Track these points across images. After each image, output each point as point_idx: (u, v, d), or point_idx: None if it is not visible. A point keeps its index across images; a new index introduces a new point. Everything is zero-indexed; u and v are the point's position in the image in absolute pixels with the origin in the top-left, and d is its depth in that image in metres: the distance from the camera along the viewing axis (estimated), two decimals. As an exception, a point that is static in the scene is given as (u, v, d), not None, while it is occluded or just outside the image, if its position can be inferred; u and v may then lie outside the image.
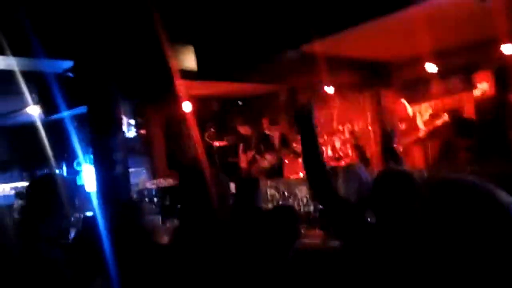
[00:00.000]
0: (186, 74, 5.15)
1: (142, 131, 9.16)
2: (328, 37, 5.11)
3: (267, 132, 8.30)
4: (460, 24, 6.22)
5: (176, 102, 7.05)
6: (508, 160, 5.60)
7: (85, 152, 6.58)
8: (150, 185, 7.60)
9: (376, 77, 8.23)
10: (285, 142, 8.29)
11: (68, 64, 4.29)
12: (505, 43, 6.57)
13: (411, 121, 6.90)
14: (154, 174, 8.88)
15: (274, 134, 8.28)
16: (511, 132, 5.96)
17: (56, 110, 5.65)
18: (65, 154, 7.89)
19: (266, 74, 6.27)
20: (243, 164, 8.54)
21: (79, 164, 7.83)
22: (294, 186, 5.86)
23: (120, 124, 4.45)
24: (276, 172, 7.97)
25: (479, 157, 6.06)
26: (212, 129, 8.92)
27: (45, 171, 8.02)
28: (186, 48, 4.97)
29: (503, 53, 6.68)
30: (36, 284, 1.62)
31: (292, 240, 2.55)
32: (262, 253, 1.87)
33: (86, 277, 2.07)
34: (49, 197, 1.94)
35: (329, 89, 8.31)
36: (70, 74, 4.34)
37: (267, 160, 8.20)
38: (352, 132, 8.54)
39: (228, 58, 4.87)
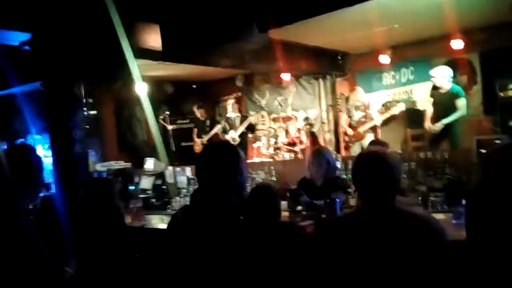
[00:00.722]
0: (150, 54, 5.00)
1: (92, 112, 8.81)
2: (289, 25, 5.11)
3: (229, 115, 8.22)
4: (413, 19, 6.47)
5: (129, 83, 6.82)
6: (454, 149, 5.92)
7: (35, 130, 6.23)
8: (100, 167, 7.35)
9: (332, 66, 8.37)
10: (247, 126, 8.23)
11: (25, 36, 4.02)
12: (455, 39, 6.91)
13: (366, 109, 7.10)
14: (104, 156, 8.58)
15: (236, 117, 8.20)
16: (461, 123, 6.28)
17: (7, 85, 5.30)
18: (13, 131, 7.44)
19: (228, 59, 6.21)
20: (197, 148, 8.46)
21: (29, 142, 7.41)
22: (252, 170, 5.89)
23: (80, 102, 4.25)
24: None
25: (429, 146, 6.35)
26: (167, 112, 8.74)
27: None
28: (151, 27, 4.80)
29: (452, 48, 7.03)
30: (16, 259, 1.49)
31: (274, 217, 2.57)
32: (245, 231, 1.85)
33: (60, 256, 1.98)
34: (28, 165, 1.83)
35: (286, 76, 8.39)
36: (27, 48, 4.07)
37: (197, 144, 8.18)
38: (306, 119, 8.66)
39: (194, 40, 4.76)
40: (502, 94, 6.46)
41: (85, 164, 4.36)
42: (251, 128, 8.22)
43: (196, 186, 5.67)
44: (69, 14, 4.19)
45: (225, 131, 8.18)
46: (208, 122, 8.44)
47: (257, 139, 8.17)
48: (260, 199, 2.52)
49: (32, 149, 1.92)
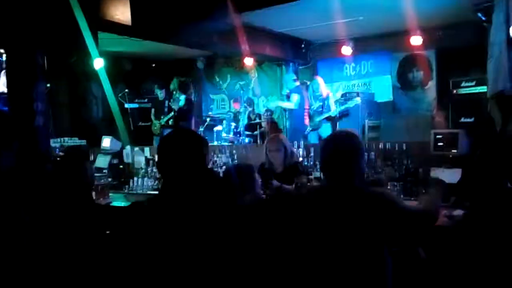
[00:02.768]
0: (117, 28, 4.81)
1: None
2: (261, 9, 5.10)
3: (177, 95, 8.07)
4: (377, 13, 6.65)
5: (85, 57, 6.57)
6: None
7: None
8: (52, 143, 7.08)
9: (295, 53, 8.44)
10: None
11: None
12: (414, 35, 7.16)
13: (325, 99, 7.22)
14: (57, 132, 8.24)
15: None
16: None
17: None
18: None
19: (198, 38, 6.10)
20: (155, 129, 8.29)
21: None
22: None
23: (43, 73, 4.03)
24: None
25: (383, 137, 6.58)
26: (126, 90, 8.50)
27: None
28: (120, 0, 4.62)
29: (411, 44, 7.28)
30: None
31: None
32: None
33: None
34: (8, 131, 1.78)
35: (248, 61, 8.37)
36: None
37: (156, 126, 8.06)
38: (266, 106, 8.72)
39: (165, 17, 4.63)
40: (455, 91, 6.75)
41: (47, 138, 4.17)
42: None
43: (155, 167, 5.57)
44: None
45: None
46: (167, 103, 8.28)
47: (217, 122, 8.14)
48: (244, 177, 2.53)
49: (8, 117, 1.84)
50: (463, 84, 6.70)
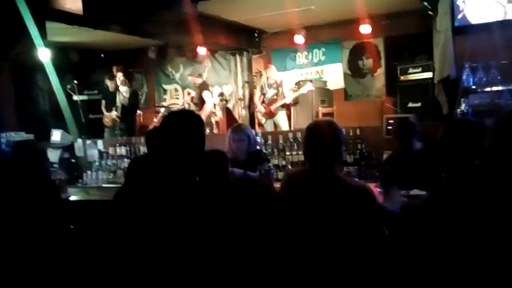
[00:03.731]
0: (66, 17, 4.62)
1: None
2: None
3: (120, 88, 7.88)
4: (328, 2, 6.79)
5: (29, 48, 6.29)
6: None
7: None
8: (-1, 138, 6.76)
9: (248, 42, 8.46)
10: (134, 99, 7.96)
11: None
12: (363, 24, 7.37)
13: (279, 86, 7.32)
14: (1, 127, 7.84)
15: (125, 91, 7.88)
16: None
17: None
18: None
19: (151, 28, 5.96)
20: (107, 121, 8.06)
21: None
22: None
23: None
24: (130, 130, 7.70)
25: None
26: (75, 82, 8.19)
27: None
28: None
29: (361, 32, 7.49)
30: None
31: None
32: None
33: None
34: None
35: (202, 50, 8.30)
36: None
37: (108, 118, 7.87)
38: (221, 94, 8.69)
39: (118, 5, 4.49)
40: (402, 78, 7.02)
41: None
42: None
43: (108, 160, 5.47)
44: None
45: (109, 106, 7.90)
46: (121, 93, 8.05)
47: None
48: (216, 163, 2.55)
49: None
50: (410, 70, 6.98)
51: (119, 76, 7.79)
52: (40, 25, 5.36)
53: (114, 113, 7.79)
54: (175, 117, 1.97)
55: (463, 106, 4.86)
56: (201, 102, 7.49)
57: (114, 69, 7.84)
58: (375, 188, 2.74)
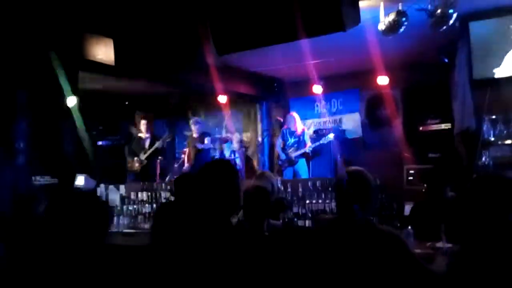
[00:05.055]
0: (100, 68, 4.87)
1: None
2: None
3: (141, 134, 8.07)
4: (344, 55, 7.00)
5: (57, 95, 6.56)
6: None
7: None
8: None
9: (268, 91, 8.67)
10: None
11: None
12: (381, 75, 7.52)
13: (300, 135, 7.43)
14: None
15: (146, 138, 8.05)
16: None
17: None
18: None
19: (170, 77, 6.21)
20: (130, 165, 8.21)
21: None
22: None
23: (24, 112, 4.01)
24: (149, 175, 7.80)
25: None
26: (100, 127, 8.45)
27: None
28: (103, 40, 4.71)
29: (378, 83, 7.64)
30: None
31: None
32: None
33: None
34: None
35: (222, 98, 8.51)
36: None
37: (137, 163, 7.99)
38: (241, 141, 8.82)
39: (146, 57, 4.74)
40: (421, 128, 7.09)
41: (29, 177, 4.11)
42: (160, 151, 8.17)
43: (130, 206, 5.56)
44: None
45: (134, 153, 8.03)
46: (146, 140, 8.23)
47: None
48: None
49: None
50: (428, 121, 7.05)
51: (143, 123, 8.00)
52: (71, 74, 5.64)
53: (139, 158, 7.91)
54: (211, 165, 2.06)
55: (483, 158, 4.87)
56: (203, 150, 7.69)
57: (137, 116, 8.07)
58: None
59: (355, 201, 2.18)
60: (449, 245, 2.90)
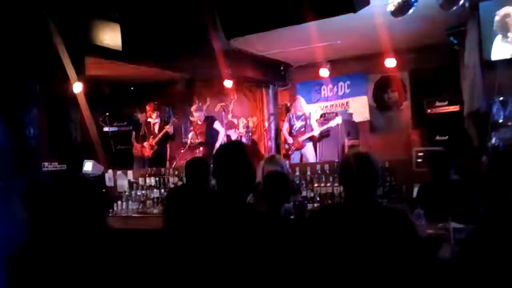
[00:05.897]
0: (107, 53, 4.85)
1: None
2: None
3: (150, 119, 8.07)
4: (350, 38, 6.93)
5: (63, 81, 6.55)
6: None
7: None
8: (32, 168, 6.96)
9: (274, 76, 8.63)
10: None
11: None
12: (388, 58, 7.45)
13: (307, 119, 7.41)
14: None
15: (155, 123, 8.05)
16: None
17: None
18: None
19: (187, 63, 6.19)
20: (136, 151, 8.24)
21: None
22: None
23: (35, 98, 4.02)
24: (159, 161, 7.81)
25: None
26: (107, 114, 8.45)
27: None
28: (109, 25, 4.68)
29: (386, 66, 7.57)
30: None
31: None
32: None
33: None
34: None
35: (228, 83, 8.48)
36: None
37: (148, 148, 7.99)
38: (247, 126, 8.82)
39: (154, 43, 4.72)
40: (429, 110, 7.04)
41: (40, 162, 4.14)
42: (170, 136, 8.15)
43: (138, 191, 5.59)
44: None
45: (143, 138, 8.04)
46: (153, 126, 8.23)
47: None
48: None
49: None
50: (437, 103, 6.99)
51: (156, 113, 8.00)
52: (77, 60, 5.62)
53: (149, 143, 7.91)
54: (224, 148, 2.06)
55: (493, 140, 4.85)
56: (211, 134, 7.62)
57: (148, 107, 8.04)
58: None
59: (362, 183, 2.18)
60: (460, 225, 2.91)
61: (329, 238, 2.17)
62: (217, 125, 7.72)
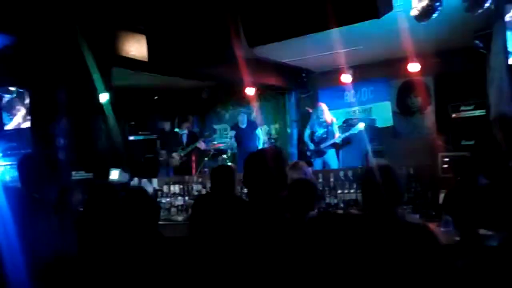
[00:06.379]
0: (133, 64, 4.97)
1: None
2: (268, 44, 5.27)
3: (177, 129, 8.18)
4: (372, 43, 6.90)
5: (91, 92, 6.70)
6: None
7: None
8: (59, 177, 7.11)
9: (296, 82, 8.64)
10: (193, 140, 8.20)
11: (7, 39, 3.89)
12: (412, 62, 7.39)
13: (329, 125, 7.38)
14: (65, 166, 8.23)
15: (184, 134, 8.14)
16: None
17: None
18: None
19: (211, 73, 6.28)
20: (168, 160, 8.34)
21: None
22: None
23: (64, 109, 4.14)
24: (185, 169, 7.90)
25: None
26: (132, 123, 8.60)
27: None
28: (135, 37, 4.80)
29: (409, 71, 7.51)
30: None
31: None
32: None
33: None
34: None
35: (250, 90, 8.52)
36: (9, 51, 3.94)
37: (174, 158, 8.07)
38: (269, 133, 8.85)
39: (179, 53, 4.81)
40: (454, 115, 6.94)
41: (69, 172, 4.26)
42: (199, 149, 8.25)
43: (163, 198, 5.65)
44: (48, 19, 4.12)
45: (170, 148, 8.14)
46: (181, 135, 8.33)
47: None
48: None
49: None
50: (462, 108, 6.89)
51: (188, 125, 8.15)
52: (104, 71, 5.76)
53: (179, 154, 8.02)
54: (255, 154, 2.09)
55: (522, 144, 4.75)
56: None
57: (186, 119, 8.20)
58: (436, 228, 2.72)
59: (382, 195, 2.16)
60: (490, 232, 2.86)
61: (348, 247, 2.16)
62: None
